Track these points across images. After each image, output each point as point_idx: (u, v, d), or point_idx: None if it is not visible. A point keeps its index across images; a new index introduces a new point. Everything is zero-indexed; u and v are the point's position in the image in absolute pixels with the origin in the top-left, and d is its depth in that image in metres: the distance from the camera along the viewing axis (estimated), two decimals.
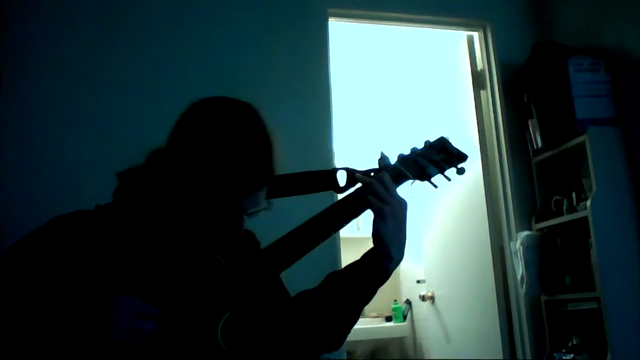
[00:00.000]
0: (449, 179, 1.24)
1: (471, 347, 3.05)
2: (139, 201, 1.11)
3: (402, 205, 1.13)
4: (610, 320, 2.38)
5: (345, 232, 3.60)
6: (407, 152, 1.24)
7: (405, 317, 4.02)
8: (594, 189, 2.53)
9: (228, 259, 1.05)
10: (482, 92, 3.12)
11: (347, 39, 3.47)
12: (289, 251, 1.06)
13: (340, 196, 1.20)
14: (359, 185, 1.16)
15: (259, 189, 1.07)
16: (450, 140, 1.31)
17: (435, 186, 1.22)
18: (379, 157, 1.20)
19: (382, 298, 4.33)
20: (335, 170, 1.24)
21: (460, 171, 1.25)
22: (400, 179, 1.18)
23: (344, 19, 2.98)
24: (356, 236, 3.84)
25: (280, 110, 2.58)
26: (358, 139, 4.27)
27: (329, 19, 2.85)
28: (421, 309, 3.82)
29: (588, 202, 2.51)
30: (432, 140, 1.27)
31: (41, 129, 2.39)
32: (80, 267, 1.01)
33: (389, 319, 4.14)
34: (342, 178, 1.22)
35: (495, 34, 3.08)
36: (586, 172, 2.63)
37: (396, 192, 1.14)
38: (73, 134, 2.42)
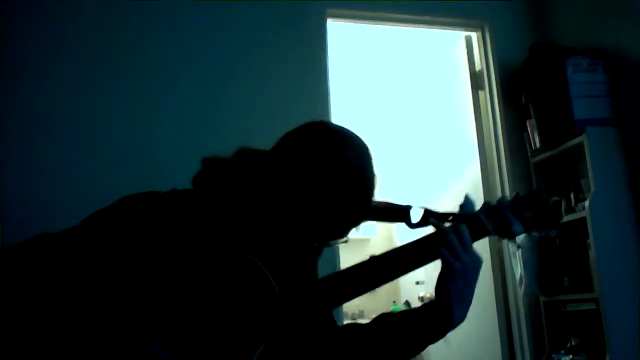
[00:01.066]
0: (534, 242, 1.16)
1: (470, 348, 3.04)
2: (218, 194, 1.04)
3: (475, 263, 1.02)
4: (609, 321, 2.38)
5: None
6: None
7: None
8: (592, 189, 2.53)
9: (280, 283, 0.97)
10: (481, 93, 3.11)
11: (346, 40, 3.47)
12: (345, 289, 0.98)
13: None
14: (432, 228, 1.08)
15: (355, 228, 1.04)
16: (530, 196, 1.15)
17: (519, 247, 1.14)
18: (462, 201, 1.09)
19: (380, 299, 4.33)
20: (410, 207, 1.19)
21: (549, 235, 1.13)
22: (480, 233, 1.06)
23: (343, 20, 2.97)
24: (355, 237, 3.84)
25: (279, 110, 2.58)
26: None
27: (328, 20, 2.85)
28: None
29: (586, 203, 2.51)
30: (523, 193, 1.13)
31: (41, 129, 2.38)
32: (143, 251, 0.96)
33: None
34: (416, 215, 1.17)
35: (494, 35, 3.08)
36: (584, 172, 2.63)
37: (472, 249, 1.03)
38: (72, 134, 2.41)
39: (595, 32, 2.81)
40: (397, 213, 1.19)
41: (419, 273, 3.66)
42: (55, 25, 2.48)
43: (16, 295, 0.90)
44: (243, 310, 0.93)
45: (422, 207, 1.15)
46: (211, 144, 1.15)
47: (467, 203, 1.08)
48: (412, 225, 1.16)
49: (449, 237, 1.01)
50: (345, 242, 1.06)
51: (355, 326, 1.11)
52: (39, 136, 2.38)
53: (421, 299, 3.46)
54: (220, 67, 2.64)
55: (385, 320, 1.09)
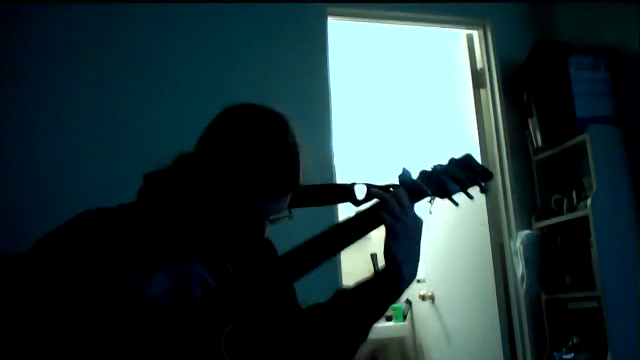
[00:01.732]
0: (471, 197, 1.20)
1: (471, 347, 3.04)
2: (162, 203, 1.12)
3: (416, 223, 1.10)
4: (611, 319, 2.38)
5: None
6: (420, 160, 1.24)
7: (405, 317, 4.01)
8: (595, 187, 2.52)
9: (238, 267, 1.03)
10: (482, 91, 3.11)
11: (347, 38, 3.46)
12: (300, 263, 1.05)
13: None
14: (376, 200, 1.14)
15: (284, 193, 1.06)
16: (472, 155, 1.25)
17: (456, 204, 1.18)
18: (400, 172, 1.17)
19: None
20: (354, 184, 1.23)
21: (483, 189, 1.21)
22: (418, 195, 1.14)
23: (343, 18, 2.97)
24: None
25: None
26: (358, 138, 4.27)
27: (328, 18, 2.85)
28: (421, 309, 3.81)
29: (588, 201, 2.51)
30: (456, 157, 1.23)
31: (41, 129, 2.38)
32: (100, 265, 1.00)
33: (388, 318, 4.13)
34: (360, 192, 1.21)
35: (495, 33, 3.08)
36: (586, 170, 2.63)
37: (412, 210, 1.11)
38: (72, 134, 2.41)
39: (597, 30, 2.80)
40: (341, 192, 1.24)
41: (420, 271, 3.66)
42: (55, 24, 2.48)
43: None
44: (207, 298, 0.99)
45: (365, 183, 1.20)
46: (181, 152, 1.16)
47: (404, 172, 1.17)
48: (358, 202, 1.20)
49: (388, 201, 1.09)
50: (289, 217, 1.11)
51: (314, 305, 1.17)
52: (38, 136, 2.37)
53: (422, 297, 3.46)
54: (221, 66, 2.64)
55: (342, 294, 1.16)
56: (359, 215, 1.12)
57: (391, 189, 1.18)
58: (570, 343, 2.63)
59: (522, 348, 2.80)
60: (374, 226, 1.10)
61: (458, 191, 1.18)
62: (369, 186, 1.19)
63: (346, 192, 1.23)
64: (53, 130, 2.39)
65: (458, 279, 3.20)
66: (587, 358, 2.53)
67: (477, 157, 2.93)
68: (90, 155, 2.40)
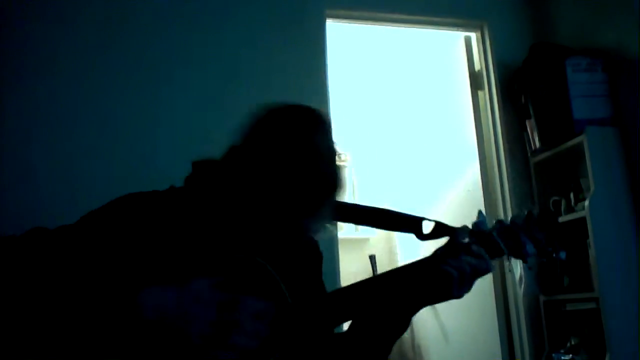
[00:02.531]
0: (543, 261, 1.13)
1: (470, 348, 3.04)
2: (208, 194, 1.07)
3: (466, 292, 1.06)
4: (609, 321, 2.38)
5: (343, 233, 3.59)
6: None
7: None
8: (592, 189, 2.53)
9: (289, 282, 0.97)
10: (480, 93, 3.11)
11: (345, 40, 3.47)
12: (358, 305, 1.00)
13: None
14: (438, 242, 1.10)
15: (324, 211, 1.04)
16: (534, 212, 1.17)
17: (530, 268, 1.13)
18: (475, 218, 1.10)
19: None
20: (423, 219, 1.19)
21: (558, 255, 1.13)
22: (494, 253, 1.08)
23: (342, 20, 2.97)
24: (354, 237, 3.84)
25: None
26: (355, 141, 4.27)
27: (327, 20, 2.85)
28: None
29: (586, 203, 2.52)
30: (535, 211, 1.14)
31: (41, 129, 2.39)
32: (142, 249, 0.96)
33: None
34: (427, 227, 1.17)
35: (493, 35, 3.08)
36: (584, 172, 2.64)
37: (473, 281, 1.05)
38: (72, 134, 2.42)
39: (594, 32, 2.81)
40: (408, 223, 1.19)
41: None
42: (56, 22, 2.49)
43: (12, 290, 0.88)
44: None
45: (433, 220, 1.15)
46: (211, 144, 1.15)
47: (481, 221, 1.09)
48: (423, 237, 1.15)
49: (462, 257, 1.02)
50: (331, 229, 1.08)
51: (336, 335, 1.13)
52: (38, 135, 2.38)
53: None
54: (219, 67, 2.64)
55: (357, 326, 1.12)
56: (425, 263, 1.06)
57: (466, 240, 1.09)
58: (568, 344, 2.63)
59: (521, 349, 2.80)
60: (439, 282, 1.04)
61: (534, 254, 1.10)
62: (437, 224, 1.13)
63: (413, 224, 1.18)
64: (53, 131, 2.40)
65: None
66: (585, 359, 2.53)
67: (475, 159, 2.98)
68: (90, 157, 2.41)
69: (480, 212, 1.10)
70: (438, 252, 1.07)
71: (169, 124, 2.53)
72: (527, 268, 1.10)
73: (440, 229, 1.10)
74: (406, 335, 4.03)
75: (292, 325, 0.93)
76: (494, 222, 1.11)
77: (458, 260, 1.03)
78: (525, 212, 1.12)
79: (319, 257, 1.21)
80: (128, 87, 2.51)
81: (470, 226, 1.11)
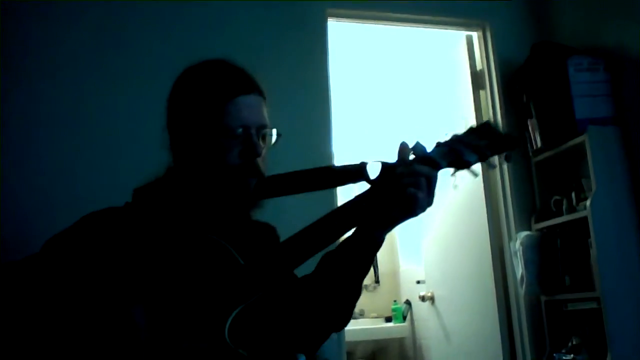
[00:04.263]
0: (493, 167, 1.14)
1: (471, 348, 3.04)
2: (158, 198, 1.14)
3: (429, 201, 1.09)
4: (610, 320, 2.38)
5: None
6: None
7: (405, 318, 4.02)
8: (594, 188, 2.53)
9: (244, 254, 1.03)
10: (482, 92, 3.11)
11: (346, 39, 3.47)
12: (301, 248, 1.03)
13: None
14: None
15: (245, 90, 1.14)
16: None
17: (476, 175, 1.12)
18: (412, 144, 1.11)
19: (381, 298, 4.34)
20: (366, 163, 1.16)
21: (508, 158, 1.14)
22: (436, 167, 1.10)
23: (343, 19, 2.97)
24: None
25: (279, 111, 2.57)
26: (357, 139, 4.27)
27: (328, 20, 2.85)
28: (421, 310, 3.81)
29: (588, 202, 2.51)
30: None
31: (41, 129, 2.39)
32: (109, 266, 1.01)
33: (388, 319, 4.13)
34: (373, 170, 1.14)
35: (495, 34, 3.08)
36: (586, 171, 2.63)
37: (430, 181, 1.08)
38: (73, 134, 2.42)
39: (596, 31, 2.80)
40: (353, 173, 1.17)
41: (419, 273, 3.66)
42: (56, 22, 2.49)
43: None
44: (217, 282, 1.00)
45: (378, 161, 1.13)
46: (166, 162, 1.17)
47: (417, 145, 1.11)
48: (372, 181, 1.13)
49: (416, 173, 1.05)
50: (277, 134, 1.15)
51: (305, 275, 1.16)
52: (39, 136, 2.38)
53: (422, 298, 3.46)
54: None
55: (327, 256, 1.13)
56: (372, 189, 1.08)
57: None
58: (569, 344, 2.63)
59: (522, 349, 2.80)
60: (390, 198, 1.06)
61: (477, 161, 1.11)
62: (383, 164, 1.11)
63: (358, 172, 1.16)
64: (56, 131, 2.40)
65: (458, 280, 3.20)
66: (586, 359, 2.53)
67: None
68: (93, 156, 2.41)
69: (417, 141, 1.12)
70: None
71: None
72: (474, 174, 1.11)
73: (388, 170, 1.09)
74: (407, 335, 4.03)
75: (247, 280, 1.01)
76: (434, 144, 1.14)
77: (409, 169, 1.06)
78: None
79: (277, 239, 1.26)
80: (128, 88, 2.51)
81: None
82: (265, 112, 1.17)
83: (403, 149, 1.10)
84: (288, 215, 1.28)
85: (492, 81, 3.05)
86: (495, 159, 1.14)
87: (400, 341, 4.10)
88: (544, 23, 3.12)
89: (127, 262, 1.02)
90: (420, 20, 3.08)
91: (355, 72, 4.02)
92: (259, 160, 1.11)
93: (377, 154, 4.27)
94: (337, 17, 2.91)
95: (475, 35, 3.14)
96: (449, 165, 1.10)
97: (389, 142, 4.17)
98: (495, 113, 3.03)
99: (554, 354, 2.65)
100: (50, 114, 2.41)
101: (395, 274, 4.31)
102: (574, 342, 2.61)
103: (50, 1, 2.49)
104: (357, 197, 1.08)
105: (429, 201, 1.07)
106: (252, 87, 1.17)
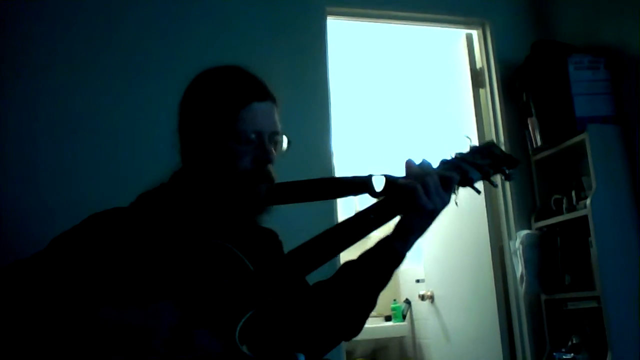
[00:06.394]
0: (494, 185, 1.20)
1: (471, 347, 3.04)
2: (164, 202, 1.14)
3: (444, 205, 1.11)
4: (610, 319, 2.38)
5: None
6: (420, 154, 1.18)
7: (404, 317, 4.02)
8: (594, 187, 2.52)
9: (252, 260, 1.04)
10: (481, 91, 3.11)
11: (346, 38, 3.46)
12: (310, 256, 1.04)
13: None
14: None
15: (257, 97, 1.13)
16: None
17: (479, 192, 1.18)
18: (419, 162, 1.13)
19: (381, 297, 4.32)
20: (371, 176, 1.17)
21: (509, 177, 1.20)
22: (448, 183, 1.13)
23: (343, 17, 2.96)
24: None
25: (278, 109, 2.57)
26: (357, 138, 4.27)
27: (328, 18, 2.84)
28: (421, 309, 3.81)
29: (588, 201, 2.51)
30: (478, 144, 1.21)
31: (41, 129, 2.38)
32: (113, 266, 1.02)
33: (388, 318, 4.13)
34: (379, 184, 1.17)
35: (495, 32, 3.07)
36: (586, 170, 2.63)
37: (443, 192, 1.11)
38: (72, 133, 2.41)
39: (596, 30, 2.80)
40: (357, 185, 1.19)
41: (419, 271, 3.66)
42: (55, 21, 2.48)
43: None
44: (226, 287, 1.01)
45: (382, 175, 1.15)
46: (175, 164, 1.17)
47: (424, 162, 1.13)
48: (376, 194, 1.15)
49: (427, 182, 1.07)
50: (288, 141, 1.14)
51: (322, 281, 1.17)
52: (39, 135, 2.37)
53: (422, 297, 3.45)
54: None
55: (348, 265, 1.16)
56: (385, 199, 1.10)
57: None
58: (569, 343, 2.62)
59: (522, 348, 2.79)
60: (401, 211, 1.10)
61: (479, 179, 1.17)
62: (387, 178, 1.14)
63: (362, 185, 1.18)
64: (54, 131, 2.39)
65: (457, 279, 3.20)
66: (586, 358, 2.53)
67: None
68: (92, 156, 2.40)
69: (424, 159, 1.14)
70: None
71: (169, 122, 2.52)
72: (477, 191, 1.18)
73: (392, 184, 1.12)
74: (407, 334, 4.03)
75: (257, 287, 1.01)
76: (439, 163, 1.16)
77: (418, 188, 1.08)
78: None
79: (279, 244, 1.27)
80: (127, 87, 2.50)
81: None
82: (277, 118, 1.17)
83: (409, 166, 1.12)
84: (285, 222, 1.27)
85: (492, 79, 3.04)
86: (497, 178, 1.20)
87: (400, 340, 4.10)
88: (544, 21, 3.12)
89: (132, 264, 1.02)
90: (420, 19, 3.07)
91: (354, 70, 4.02)
92: (271, 166, 1.12)
93: (376, 153, 4.28)
94: (336, 15, 2.90)
95: (475, 33, 3.14)
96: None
97: (388, 141, 4.17)
98: (495, 111, 3.03)
99: (554, 353, 2.64)
100: (50, 113, 2.40)
101: (394, 273, 4.30)
102: (574, 341, 2.61)
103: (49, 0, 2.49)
104: (370, 208, 1.10)
105: (443, 201, 1.10)
106: (266, 94, 1.17)
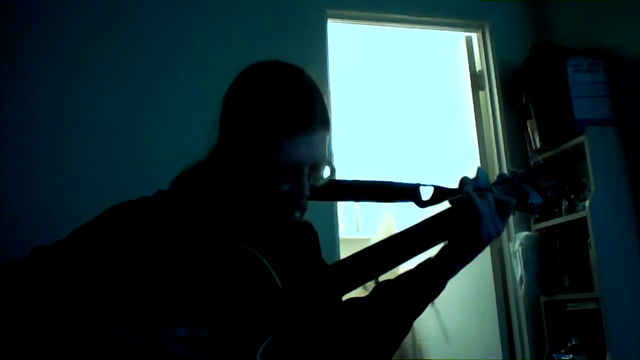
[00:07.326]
0: (556, 211, 1.06)
1: (470, 348, 3.05)
2: (193, 197, 1.06)
3: (499, 233, 1.00)
4: (609, 321, 2.39)
5: (344, 233, 3.58)
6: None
7: None
8: (593, 189, 2.53)
9: (282, 269, 0.95)
10: (481, 93, 3.12)
11: (346, 41, 3.47)
12: (355, 275, 0.95)
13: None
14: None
15: (309, 125, 0.99)
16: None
17: (537, 217, 1.08)
18: (475, 174, 1.01)
19: None
20: (419, 185, 1.11)
21: (573, 205, 1.07)
22: (504, 209, 1.00)
23: (343, 20, 2.98)
24: (355, 237, 3.84)
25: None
26: (357, 140, 4.27)
27: (328, 20, 2.86)
28: None
29: (587, 203, 2.52)
30: (539, 162, 1.08)
31: (41, 128, 2.39)
32: (135, 259, 0.97)
33: None
34: (425, 193, 1.10)
35: (494, 35, 3.09)
36: (585, 172, 2.64)
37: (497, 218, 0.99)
38: (73, 132, 2.42)
39: (595, 33, 2.81)
40: (404, 192, 1.12)
41: None
42: (55, 20, 2.49)
43: (17, 309, 0.91)
44: (247, 304, 0.93)
45: (431, 185, 1.09)
46: (211, 144, 1.15)
47: (480, 177, 1.00)
48: (423, 204, 1.08)
49: (476, 204, 0.95)
50: (331, 169, 1.05)
51: (355, 299, 1.09)
52: (38, 135, 2.38)
53: None
54: (219, 68, 2.64)
55: (385, 286, 1.08)
56: (433, 218, 1.00)
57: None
58: (569, 344, 2.63)
59: (521, 349, 2.80)
60: (449, 234, 1.00)
61: (541, 206, 1.03)
62: (436, 189, 1.06)
63: (410, 192, 1.10)
64: (52, 131, 2.40)
65: (457, 280, 3.17)
66: (585, 359, 2.54)
67: (476, 159, 2.98)
68: (89, 157, 2.41)
69: (479, 169, 1.03)
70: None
71: (168, 123, 2.54)
72: (535, 219, 1.05)
73: (439, 194, 1.05)
74: (407, 335, 4.03)
75: (283, 308, 0.93)
76: (496, 177, 1.05)
77: (482, 196, 0.97)
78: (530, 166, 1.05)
79: (315, 236, 1.18)
80: (128, 86, 2.52)
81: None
82: (325, 146, 1.06)
83: (464, 183, 1.01)
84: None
85: (492, 82, 3.06)
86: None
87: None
88: (543, 24, 3.13)
89: (147, 270, 0.96)
90: (419, 22, 3.08)
91: (355, 73, 4.03)
92: (304, 199, 1.02)
93: (377, 156, 4.28)
94: (337, 18, 2.92)
95: (474, 36, 3.15)
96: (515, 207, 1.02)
97: (388, 144, 4.18)
98: (494, 114, 3.04)
99: (553, 354, 2.65)
100: (49, 112, 2.42)
101: (394, 274, 4.30)
102: (573, 343, 2.62)
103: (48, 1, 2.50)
104: (422, 225, 1.01)
105: (497, 229, 0.99)
106: (315, 121, 1.02)
